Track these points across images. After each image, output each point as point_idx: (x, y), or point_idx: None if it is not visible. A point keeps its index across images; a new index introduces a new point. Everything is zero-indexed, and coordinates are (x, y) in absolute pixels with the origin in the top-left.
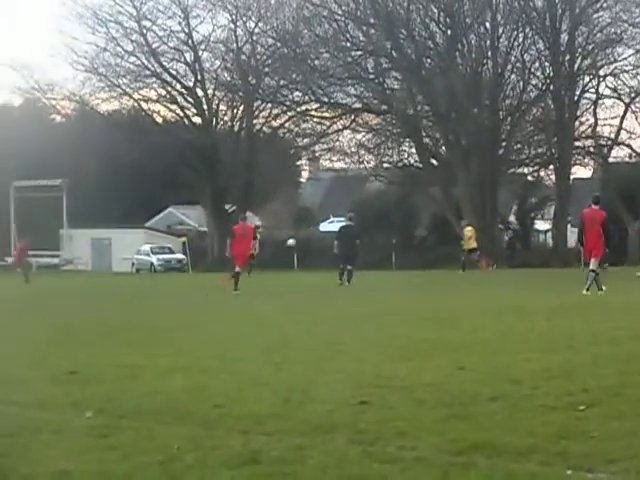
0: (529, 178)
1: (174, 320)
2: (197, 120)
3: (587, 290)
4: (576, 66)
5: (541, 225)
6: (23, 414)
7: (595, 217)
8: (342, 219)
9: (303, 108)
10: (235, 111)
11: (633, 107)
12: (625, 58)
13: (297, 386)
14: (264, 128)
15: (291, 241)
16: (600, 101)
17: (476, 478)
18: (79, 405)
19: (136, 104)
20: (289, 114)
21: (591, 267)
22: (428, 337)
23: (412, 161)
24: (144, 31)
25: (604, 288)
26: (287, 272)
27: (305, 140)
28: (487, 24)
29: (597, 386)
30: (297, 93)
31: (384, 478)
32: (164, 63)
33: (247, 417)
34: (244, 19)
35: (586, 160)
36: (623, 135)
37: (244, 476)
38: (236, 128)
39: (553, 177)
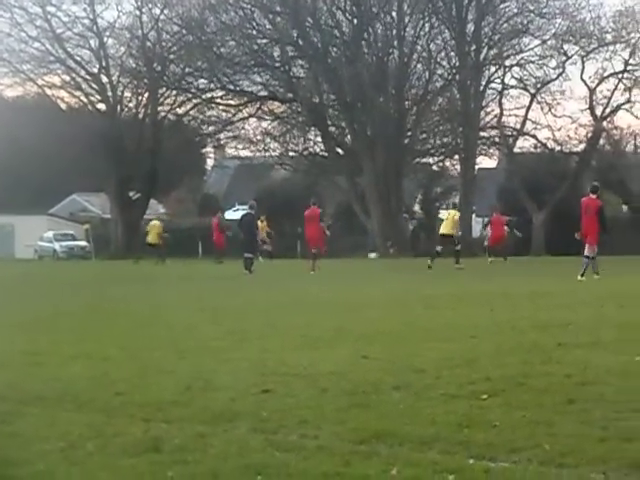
0: (434, 168)
1: (78, 307)
2: (102, 107)
3: (582, 276)
4: (482, 56)
5: (446, 215)
6: None
7: (590, 205)
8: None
9: (209, 95)
10: (140, 98)
11: (539, 98)
12: (531, 48)
13: (200, 374)
14: (169, 115)
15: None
16: (506, 91)
17: (378, 467)
18: None
19: (40, 90)
20: (194, 101)
21: (585, 253)
22: (332, 326)
23: (318, 150)
24: (48, 17)
25: (599, 273)
26: (192, 260)
27: (210, 128)
28: (393, 13)
29: (500, 375)
30: (202, 80)
31: (286, 466)
32: (69, 49)
33: (149, 405)
34: (149, 6)
35: (491, 150)
36: (528, 126)
37: (145, 464)
38: (141, 115)
39: (458, 167)
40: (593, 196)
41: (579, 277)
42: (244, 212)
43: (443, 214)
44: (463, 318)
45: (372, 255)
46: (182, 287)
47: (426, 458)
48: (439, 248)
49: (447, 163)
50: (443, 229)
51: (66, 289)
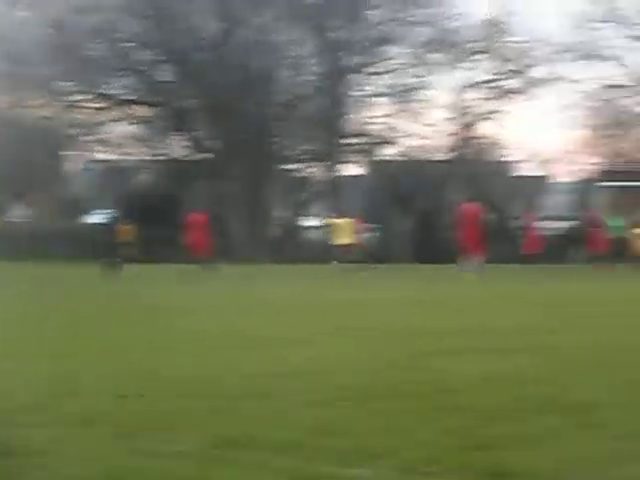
0: (299, 174)
1: None
2: None
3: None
4: (348, 63)
5: (309, 221)
6: None
7: (471, 213)
8: (109, 211)
9: (73, 98)
10: (3, 99)
11: (403, 106)
12: (396, 57)
13: (60, 378)
14: (33, 117)
15: None
16: (371, 99)
17: (236, 472)
18: None
19: None
20: (59, 104)
21: (471, 261)
22: (194, 329)
23: (182, 154)
24: None
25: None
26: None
27: (75, 131)
28: (259, 19)
29: (362, 382)
30: (68, 83)
31: (144, 472)
32: None
33: (5, 409)
34: (15, 7)
35: (355, 157)
36: (393, 133)
37: (0, 468)
38: (4, 117)
39: (322, 174)
40: (472, 204)
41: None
42: (107, 216)
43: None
44: (326, 323)
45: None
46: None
47: (286, 464)
48: (338, 258)
49: (311, 170)
50: (341, 239)
51: None
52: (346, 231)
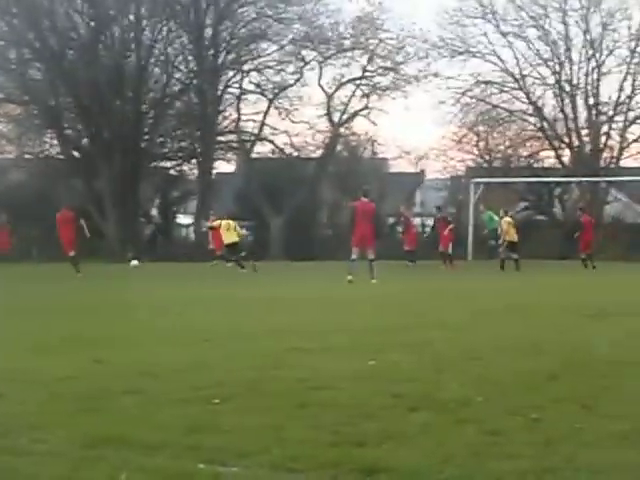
0: (172, 172)
1: None
2: None
3: (373, 279)
4: (220, 61)
5: (183, 219)
6: None
7: (367, 209)
8: None
9: None
10: None
11: (276, 103)
12: (269, 54)
13: None
14: None
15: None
16: (244, 96)
17: (106, 471)
18: None
19: None
20: None
21: (369, 257)
22: (64, 331)
23: (54, 152)
24: None
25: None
26: None
27: None
28: (131, 16)
29: (231, 380)
30: None
31: (14, 471)
32: None
33: None
34: None
35: (229, 155)
36: (266, 131)
37: None
38: None
39: (196, 171)
40: (366, 199)
41: (373, 280)
42: None
43: (181, 218)
44: (197, 322)
45: (134, 262)
46: None
47: (155, 463)
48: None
49: (185, 167)
50: (228, 238)
51: None
52: (230, 230)
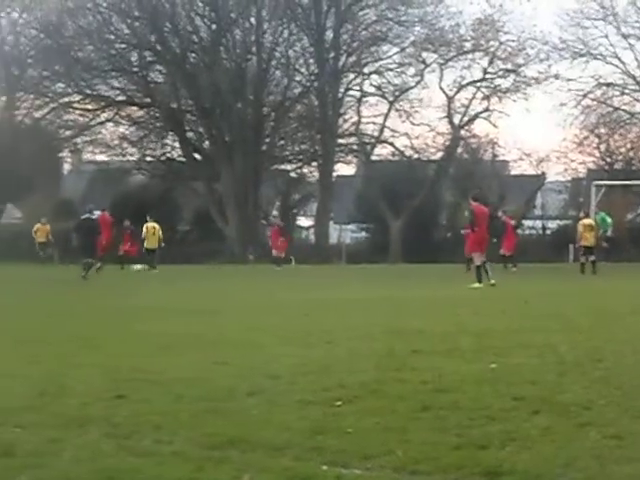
0: (292, 174)
1: None
2: None
3: (490, 280)
4: (341, 63)
5: (304, 221)
6: None
7: (486, 214)
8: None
9: (66, 100)
10: None
11: (397, 105)
12: (390, 56)
13: (52, 379)
14: (26, 119)
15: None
16: (364, 99)
17: (230, 472)
18: None
19: None
20: (51, 106)
21: (482, 260)
22: (187, 331)
23: (175, 155)
24: None
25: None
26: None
27: (67, 132)
28: (252, 19)
29: (354, 382)
30: (60, 84)
31: (138, 471)
32: None
33: (0, 410)
34: (8, 10)
35: (349, 157)
36: (386, 133)
37: None
38: None
39: (316, 174)
40: (477, 203)
41: (491, 281)
42: (83, 217)
43: (301, 221)
44: (318, 324)
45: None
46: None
47: (279, 464)
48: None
49: (305, 170)
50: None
51: None
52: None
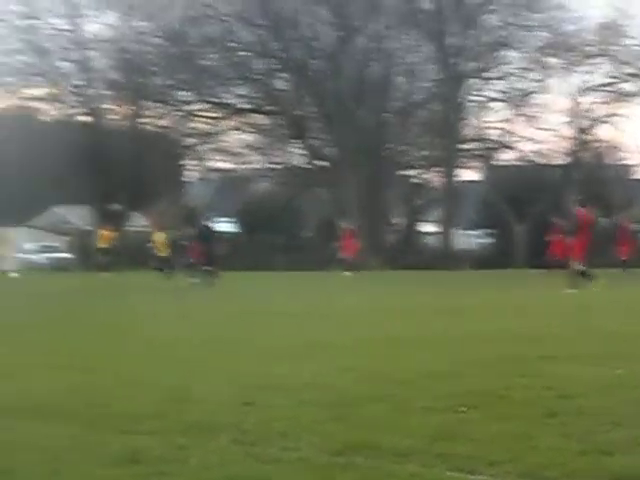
0: (415, 180)
1: (54, 318)
2: (84, 119)
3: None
4: (463, 68)
5: (426, 227)
6: None
7: (589, 219)
8: (229, 219)
9: (190, 108)
10: (122, 110)
11: (520, 110)
12: (512, 61)
13: (180, 386)
14: (151, 127)
15: None
16: (487, 104)
17: (356, 478)
18: None
19: (23, 103)
20: (176, 114)
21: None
22: (312, 338)
23: (299, 162)
24: (32, 30)
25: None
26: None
27: (192, 140)
28: (374, 26)
29: (479, 388)
30: (184, 93)
31: (266, 478)
32: (52, 62)
33: (128, 416)
34: (132, 18)
35: (472, 163)
36: (509, 138)
37: (124, 475)
38: (123, 127)
39: (439, 179)
40: (587, 209)
41: (594, 288)
42: (203, 224)
43: (424, 226)
44: (445, 329)
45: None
46: (160, 298)
47: (404, 470)
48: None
49: (428, 175)
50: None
51: (44, 299)
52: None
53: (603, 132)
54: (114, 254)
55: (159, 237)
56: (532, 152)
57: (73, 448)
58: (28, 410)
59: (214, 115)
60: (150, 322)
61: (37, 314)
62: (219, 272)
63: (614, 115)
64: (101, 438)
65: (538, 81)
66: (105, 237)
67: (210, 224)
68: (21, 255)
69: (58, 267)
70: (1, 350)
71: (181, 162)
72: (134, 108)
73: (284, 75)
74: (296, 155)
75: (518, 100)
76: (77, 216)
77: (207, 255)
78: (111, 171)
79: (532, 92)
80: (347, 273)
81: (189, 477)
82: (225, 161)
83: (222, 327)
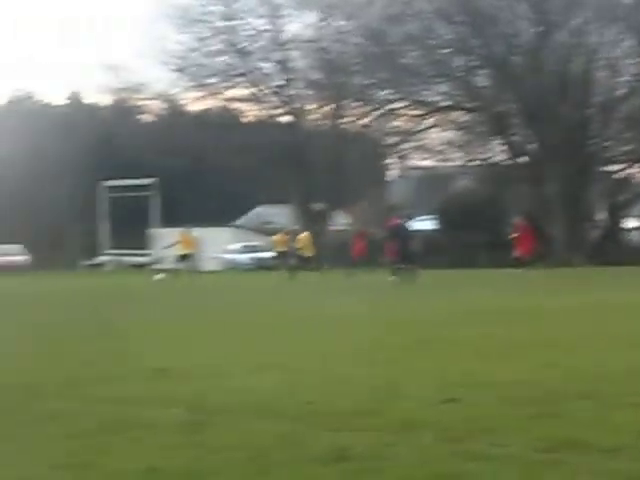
0: (619, 175)
1: (264, 317)
2: (285, 119)
3: None
4: None
5: (630, 223)
6: (115, 410)
7: None
8: (430, 217)
9: (391, 106)
10: (323, 110)
11: None
12: None
13: (386, 384)
14: (352, 127)
15: None
16: None
17: (565, 475)
18: (169, 402)
19: (225, 103)
20: (377, 112)
21: None
22: (514, 335)
23: (500, 159)
24: (233, 31)
25: None
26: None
27: (393, 138)
28: (575, 21)
29: None
30: (385, 91)
31: (473, 475)
32: (253, 62)
33: (337, 414)
34: (332, 18)
35: None
36: None
37: (333, 472)
38: (324, 127)
39: None
40: None
41: None
42: (399, 222)
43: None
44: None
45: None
46: (347, 297)
47: (613, 466)
48: None
49: (632, 170)
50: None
51: (253, 299)
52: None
53: None
54: (291, 257)
55: (304, 237)
56: None
57: (281, 446)
58: (239, 408)
59: (415, 113)
60: (354, 322)
61: (254, 313)
62: (416, 270)
63: None
64: (309, 435)
65: None
66: (279, 241)
67: (405, 222)
68: (225, 255)
69: (261, 267)
70: (212, 347)
71: (383, 161)
72: (335, 108)
73: (484, 72)
74: (497, 152)
75: None
76: (280, 216)
77: (402, 253)
78: (313, 170)
79: None
80: (520, 270)
81: (396, 475)
82: (426, 159)
83: (428, 326)
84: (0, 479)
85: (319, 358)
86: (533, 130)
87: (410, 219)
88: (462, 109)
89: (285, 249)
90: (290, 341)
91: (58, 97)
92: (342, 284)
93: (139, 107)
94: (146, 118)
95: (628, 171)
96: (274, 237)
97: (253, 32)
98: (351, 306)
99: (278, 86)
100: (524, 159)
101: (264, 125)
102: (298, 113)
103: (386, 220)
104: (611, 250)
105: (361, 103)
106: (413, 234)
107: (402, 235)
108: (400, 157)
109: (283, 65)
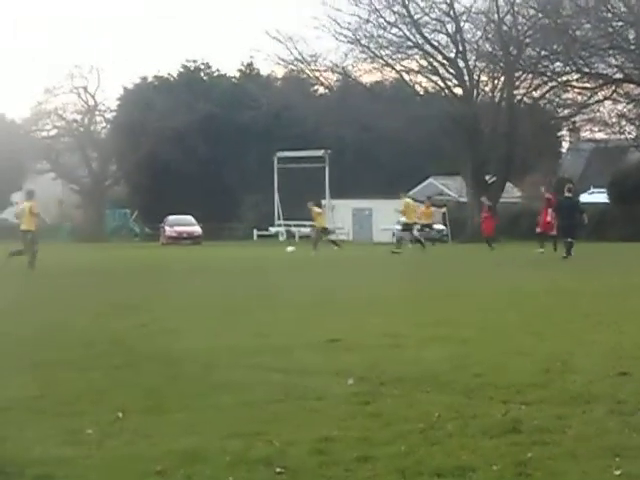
0: None
1: (438, 290)
2: (458, 91)
3: None
4: None
5: None
6: (287, 381)
7: None
8: (602, 190)
9: (564, 79)
10: (496, 82)
11: None
12: None
13: (557, 357)
14: (524, 99)
15: None
16: None
17: None
18: (341, 372)
19: (398, 75)
20: (550, 85)
21: None
22: None
23: None
24: (406, 2)
25: None
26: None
27: (566, 111)
28: None
29: None
30: (558, 64)
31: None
32: (426, 34)
33: (507, 386)
34: None
35: None
36: None
37: (504, 445)
38: (497, 99)
39: None
40: None
41: None
42: (564, 196)
43: None
44: None
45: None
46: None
47: None
48: None
49: None
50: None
51: (424, 271)
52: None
53: None
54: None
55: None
56: None
57: (452, 417)
58: (411, 380)
59: (588, 85)
60: (522, 295)
61: (425, 285)
62: (573, 243)
63: None
64: (481, 408)
65: None
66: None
67: (572, 196)
68: (394, 227)
69: (431, 239)
70: (382, 320)
71: (556, 133)
72: (508, 80)
73: None
74: None
75: None
76: (452, 187)
77: (568, 227)
78: (485, 142)
79: None
80: (540, 250)
81: (567, 447)
82: (599, 131)
83: (600, 299)
84: (171, 449)
85: (486, 330)
86: None
87: (569, 193)
88: (635, 82)
89: (430, 221)
90: (459, 313)
91: (231, 68)
92: (514, 258)
93: (313, 79)
94: (320, 90)
95: None
96: (421, 208)
97: (426, 4)
98: (519, 279)
99: (451, 58)
100: None
101: (436, 97)
102: (470, 85)
103: (543, 194)
104: None
105: (534, 75)
106: (577, 208)
107: (568, 209)
108: (572, 129)
109: (456, 37)
